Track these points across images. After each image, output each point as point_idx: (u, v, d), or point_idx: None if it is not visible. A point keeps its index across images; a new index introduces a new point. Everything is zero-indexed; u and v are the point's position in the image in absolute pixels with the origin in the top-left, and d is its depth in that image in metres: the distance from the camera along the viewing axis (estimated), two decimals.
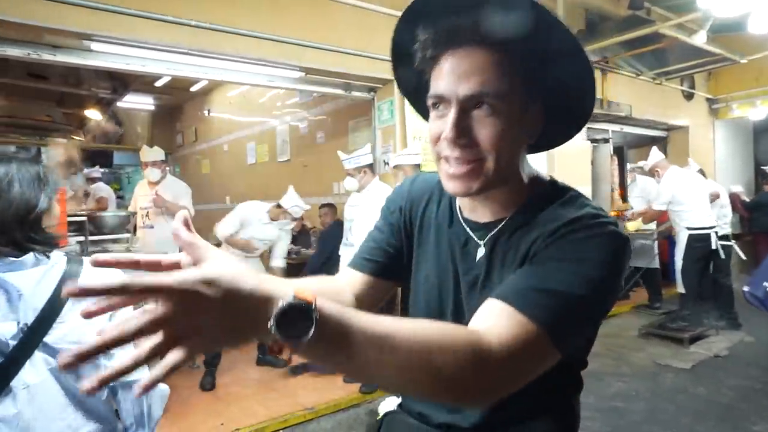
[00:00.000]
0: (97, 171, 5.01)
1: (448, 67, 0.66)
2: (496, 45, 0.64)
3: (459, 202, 0.82)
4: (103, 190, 5.05)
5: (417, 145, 3.66)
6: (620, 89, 5.44)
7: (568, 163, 4.77)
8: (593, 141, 5.40)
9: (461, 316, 0.78)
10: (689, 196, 4.48)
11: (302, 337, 0.45)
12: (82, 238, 3.14)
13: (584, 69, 0.68)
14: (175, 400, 3.31)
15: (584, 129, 4.95)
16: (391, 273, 0.89)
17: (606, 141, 5.55)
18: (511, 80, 0.65)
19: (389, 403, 0.97)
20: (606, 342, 4.41)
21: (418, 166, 3.47)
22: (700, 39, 4.13)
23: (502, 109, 0.65)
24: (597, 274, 0.64)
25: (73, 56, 2.76)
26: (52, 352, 1.01)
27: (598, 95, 5.21)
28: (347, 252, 3.53)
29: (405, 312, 0.91)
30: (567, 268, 0.64)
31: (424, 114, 0.78)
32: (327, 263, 4.49)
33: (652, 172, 4.78)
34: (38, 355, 1.00)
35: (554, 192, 0.74)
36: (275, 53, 3.06)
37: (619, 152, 5.76)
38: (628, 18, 4.67)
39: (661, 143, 6.34)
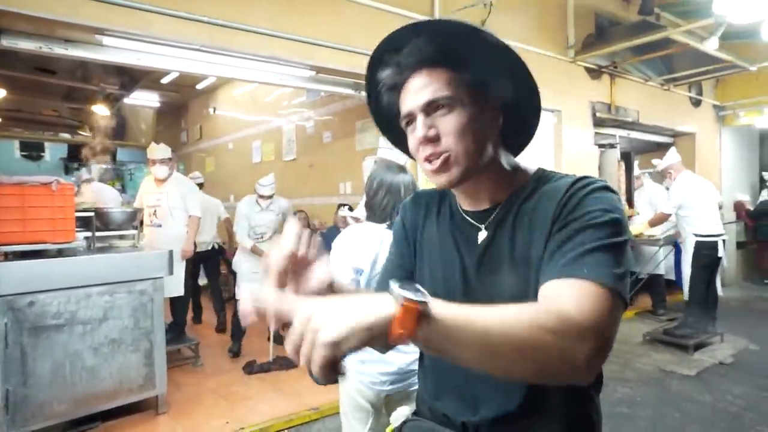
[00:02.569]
0: (86, 173, 4.91)
1: (407, 90, 0.81)
2: (437, 65, 0.79)
3: (458, 198, 0.92)
4: (95, 189, 4.80)
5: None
6: (628, 94, 5.44)
7: (575, 168, 4.76)
8: (600, 146, 5.39)
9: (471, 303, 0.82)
10: (699, 202, 4.46)
11: (421, 302, 0.54)
12: (89, 234, 3.13)
13: (516, 64, 0.80)
14: (179, 399, 3.30)
15: (592, 134, 4.96)
16: None
17: (613, 146, 5.53)
18: (457, 85, 0.78)
19: (401, 414, 0.99)
20: None
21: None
22: (711, 45, 4.12)
23: (455, 107, 0.78)
24: (616, 214, 0.74)
25: (84, 50, 2.74)
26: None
27: (606, 100, 5.22)
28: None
29: None
30: (594, 223, 0.72)
31: (405, 150, 0.93)
32: None
33: (664, 173, 4.74)
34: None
35: (544, 175, 0.86)
36: (287, 51, 3.05)
37: (626, 158, 5.74)
38: (638, 23, 4.68)
39: (668, 150, 6.33)
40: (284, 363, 3.86)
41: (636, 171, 5.69)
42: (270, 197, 4.27)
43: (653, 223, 5.05)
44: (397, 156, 3.40)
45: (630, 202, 5.68)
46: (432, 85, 0.78)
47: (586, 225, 0.72)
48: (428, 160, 0.80)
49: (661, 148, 6.36)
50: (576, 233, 0.72)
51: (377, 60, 0.85)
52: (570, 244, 0.71)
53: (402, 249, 1.00)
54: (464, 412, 0.85)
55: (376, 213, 1.77)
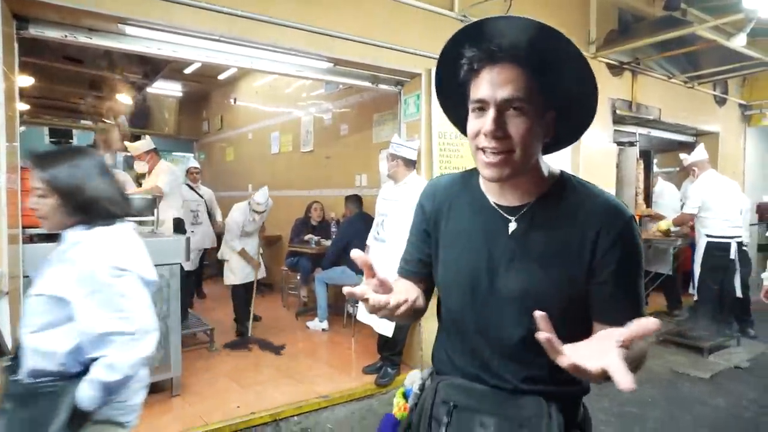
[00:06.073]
0: (109, 158, 5.12)
1: (488, 78, 0.85)
2: (524, 63, 0.83)
3: (486, 192, 0.98)
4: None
5: (416, 141, 3.59)
6: (650, 92, 5.33)
7: (594, 165, 4.70)
8: (619, 144, 5.30)
9: (495, 291, 0.93)
10: (717, 203, 4.37)
11: None
12: None
13: (589, 79, 0.86)
14: (193, 382, 3.39)
15: (611, 131, 4.88)
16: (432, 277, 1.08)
17: (632, 144, 5.44)
18: (533, 90, 0.84)
19: (414, 377, 1.07)
20: None
21: (413, 163, 3.42)
22: (739, 42, 4.00)
23: (527, 111, 0.84)
24: (641, 259, 0.90)
25: (108, 40, 2.80)
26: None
27: (627, 97, 5.12)
28: (378, 247, 3.51)
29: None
30: (632, 271, 0.89)
31: (455, 119, 1.01)
32: (342, 255, 4.53)
33: (688, 170, 4.66)
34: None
35: (572, 180, 0.94)
36: (305, 43, 3.07)
37: (645, 156, 5.64)
38: (663, 19, 4.56)
39: (690, 149, 6.21)
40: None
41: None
42: (264, 212, 4.53)
43: (678, 223, 4.98)
44: (407, 152, 3.44)
45: (648, 201, 5.59)
46: (514, 83, 0.83)
47: (637, 273, 0.90)
48: (486, 151, 0.86)
49: (682, 147, 6.21)
50: (631, 277, 0.89)
51: (466, 37, 0.88)
52: (627, 290, 0.89)
53: (422, 240, 1.07)
54: (489, 376, 0.95)
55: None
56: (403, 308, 0.82)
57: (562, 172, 0.96)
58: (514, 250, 0.91)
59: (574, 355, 0.66)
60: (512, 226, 0.92)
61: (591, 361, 0.64)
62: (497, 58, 0.83)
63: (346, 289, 0.79)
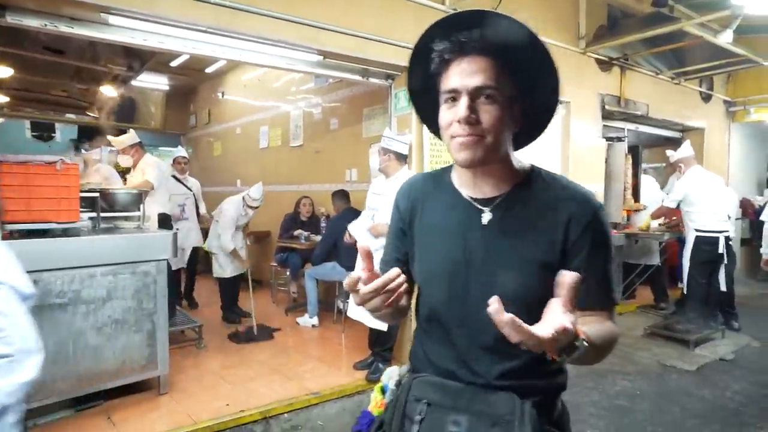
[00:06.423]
0: (96, 153, 4.99)
1: (459, 68, 0.87)
2: (492, 54, 0.86)
3: (459, 186, 1.00)
4: (102, 171, 4.94)
5: (408, 136, 3.57)
6: (638, 87, 5.37)
7: (583, 161, 4.72)
8: (608, 139, 5.34)
9: (472, 283, 0.93)
10: (702, 198, 4.43)
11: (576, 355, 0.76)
12: (94, 215, 3.15)
13: (552, 72, 0.89)
14: (181, 380, 3.35)
15: (600, 127, 4.92)
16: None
17: (621, 140, 5.48)
18: (503, 80, 0.87)
19: (392, 373, 1.10)
20: None
21: (404, 157, 3.42)
22: (725, 38, 4.04)
23: (497, 99, 0.87)
24: (611, 246, 0.95)
25: (90, 29, 2.72)
26: None
27: (616, 92, 5.16)
28: (370, 242, 3.47)
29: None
30: (611, 259, 0.94)
31: (422, 115, 1.04)
32: (333, 250, 4.50)
33: (674, 166, 4.73)
34: None
35: (542, 173, 0.98)
36: (294, 35, 3.02)
37: (633, 151, 5.69)
38: (651, 15, 4.59)
39: (676, 144, 6.29)
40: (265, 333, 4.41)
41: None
42: (257, 207, 4.65)
43: (655, 216, 5.04)
44: (399, 146, 3.41)
45: (636, 195, 5.64)
46: (485, 72, 0.86)
47: (608, 260, 0.94)
48: (460, 135, 0.88)
49: (669, 143, 6.29)
50: (602, 263, 0.93)
51: (437, 31, 0.90)
52: (598, 276, 0.92)
53: (398, 239, 1.08)
54: (464, 371, 0.95)
55: None
56: (395, 283, 0.80)
57: (532, 165, 0.99)
58: (489, 241, 0.93)
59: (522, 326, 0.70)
60: (486, 216, 0.94)
61: (538, 327, 0.69)
62: (467, 49, 0.86)
63: (346, 280, 0.80)
